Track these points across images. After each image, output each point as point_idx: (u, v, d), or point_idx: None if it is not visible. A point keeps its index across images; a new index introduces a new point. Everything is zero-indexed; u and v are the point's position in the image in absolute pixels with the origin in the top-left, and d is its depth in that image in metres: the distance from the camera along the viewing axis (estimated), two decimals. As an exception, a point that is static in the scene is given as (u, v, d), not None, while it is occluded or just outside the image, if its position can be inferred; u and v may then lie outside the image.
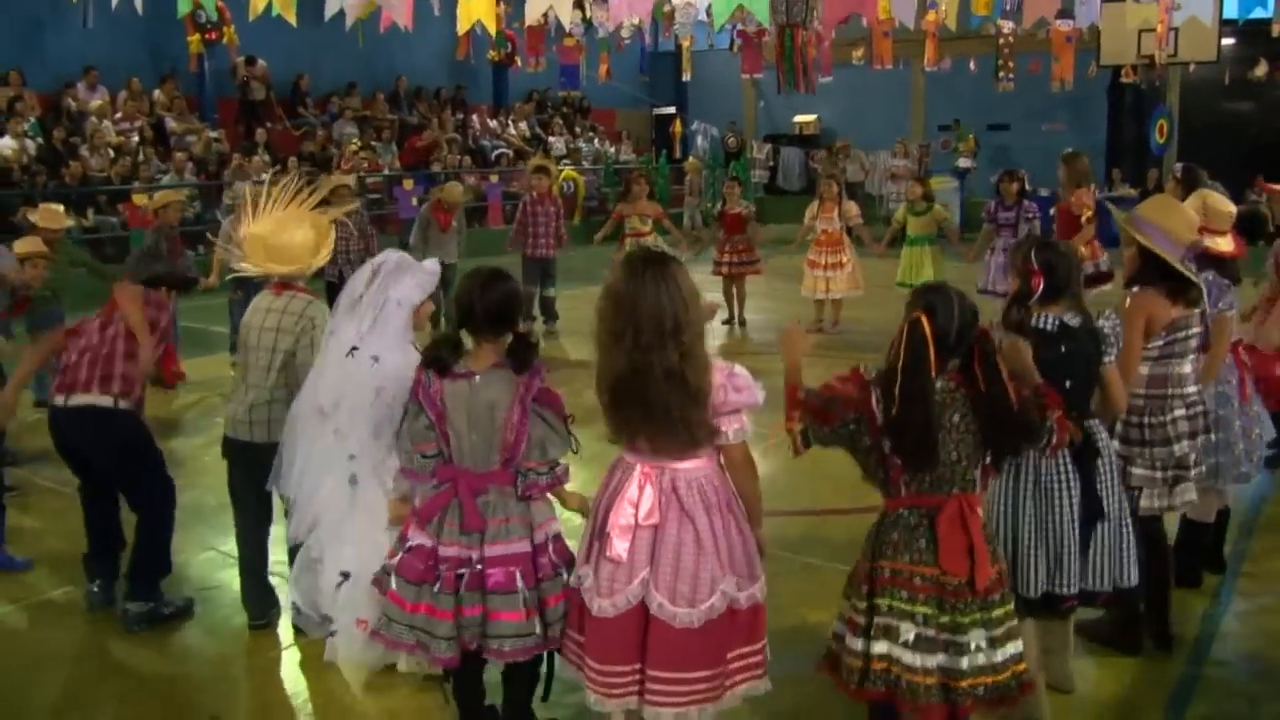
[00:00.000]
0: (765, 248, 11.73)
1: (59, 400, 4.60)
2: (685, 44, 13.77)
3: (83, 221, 13.92)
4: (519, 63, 15.10)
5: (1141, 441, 4.05)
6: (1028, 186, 10.02)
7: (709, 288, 9.78)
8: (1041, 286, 3.51)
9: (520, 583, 3.24)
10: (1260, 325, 5.23)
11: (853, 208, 10.98)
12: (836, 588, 3.31)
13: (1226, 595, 4.81)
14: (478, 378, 3.25)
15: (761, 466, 3.28)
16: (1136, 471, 4.05)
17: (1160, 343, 4.01)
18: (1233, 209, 4.68)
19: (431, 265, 3.81)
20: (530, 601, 3.25)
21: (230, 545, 4.77)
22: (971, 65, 16.50)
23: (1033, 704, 3.43)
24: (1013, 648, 3.05)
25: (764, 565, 3.22)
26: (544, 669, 3.45)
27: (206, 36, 14.01)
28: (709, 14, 10.64)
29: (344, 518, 3.67)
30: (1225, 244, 4.58)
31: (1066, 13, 12.80)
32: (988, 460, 3.10)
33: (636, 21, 12.04)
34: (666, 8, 12.08)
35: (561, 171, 17.81)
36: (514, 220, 11.18)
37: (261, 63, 18.13)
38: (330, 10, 9.67)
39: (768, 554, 3.29)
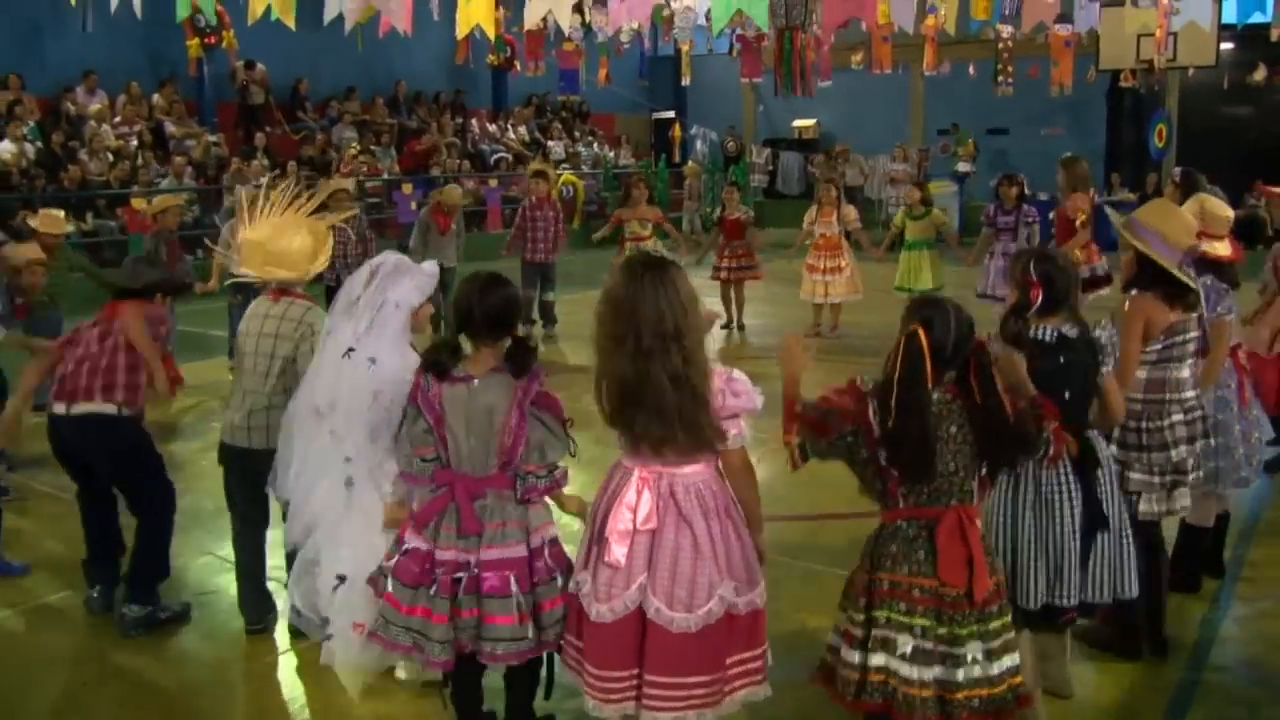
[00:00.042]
0: (764, 252, 11.74)
1: (60, 409, 4.58)
2: (684, 48, 13.77)
3: (81, 225, 13.94)
4: (518, 67, 15.09)
5: (1139, 446, 4.05)
6: (1027, 191, 10.03)
7: (707, 293, 9.78)
8: (1040, 298, 3.52)
9: (515, 587, 3.24)
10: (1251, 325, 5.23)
11: (851, 212, 11.01)
12: (836, 592, 3.30)
13: (1226, 600, 4.80)
14: (476, 381, 3.25)
15: (760, 471, 3.27)
16: (1134, 476, 4.04)
17: (1158, 346, 4.01)
18: (1230, 213, 4.69)
19: (430, 267, 3.81)
20: (524, 606, 3.25)
21: (227, 550, 4.77)
22: (971, 70, 16.51)
23: (1030, 716, 3.42)
24: (1009, 660, 3.05)
25: (764, 571, 3.21)
26: (544, 671, 3.45)
27: (205, 40, 14.02)
28: (708, 18, 10.64)
29: (340, 520, 3.66)
30: (1223, 248, 4.59)
31: (1065, 17, 12.82)
32: (983, 472, 3.10)
33: (636, 26, 12.02)
34: (666, 12, 12.08)
35: (560, 176, 17.82)
36: (513, 225, 11.20)
37: (261, 67, 18.14)
38: (329, 14, 9.66)
39: (767, 559, 3.28)
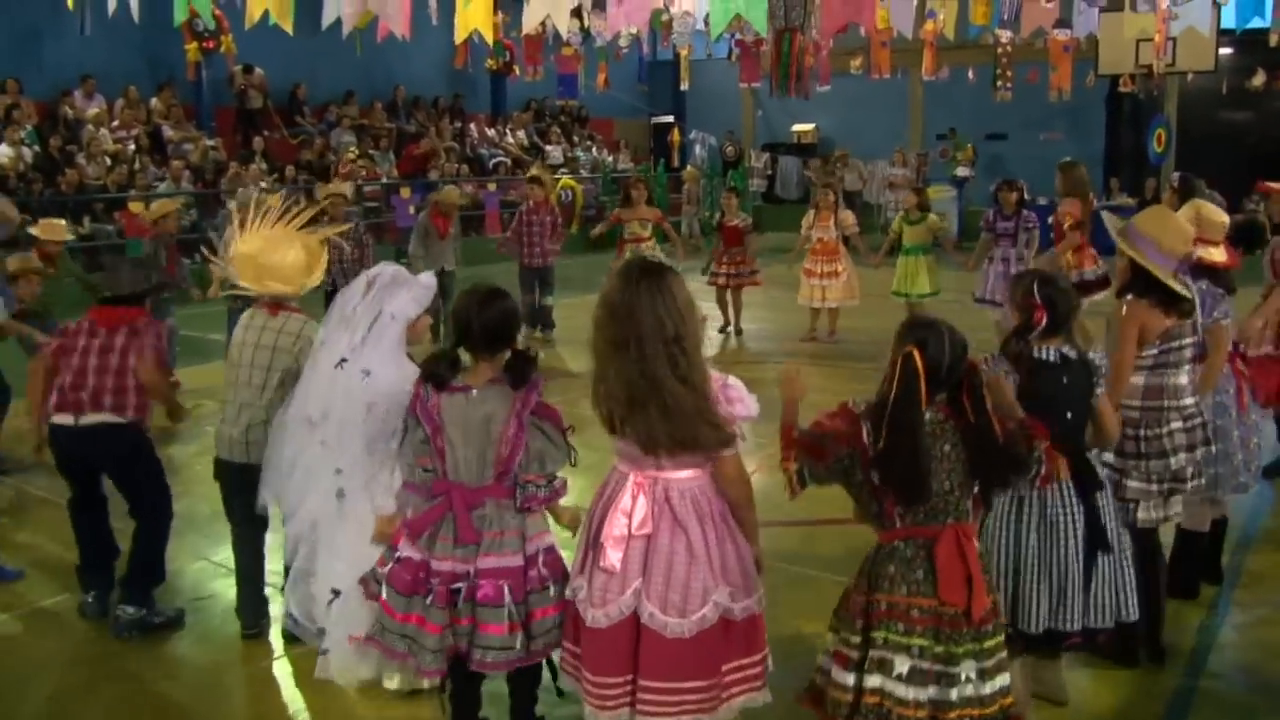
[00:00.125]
0: (762, 256, 11.75)
1: (68, 420, 4.54)
2: (683, 53, 13.75)
3: (79, 229, 13.90)
4: (517, 71, 15.09)
5: (1137, 454, 4.04)
6: (1026, 196, 10.03)
7: (703, 297, 9.77)
8: (1044, 320, 3.56)
9: (508, 597, 3.23)
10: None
11: (849, 217, 11.02)
12: (831, 598, 3.30)
13: (1223, 607, 4.79)
14: (474, 392, 3.24)
15: (756, 478, 3.26)
16: (1132, 485, 4.03)
17: (1154, 352, 4.01)
18: (1225, 219, 4.68)
19: (427, 280, 3.79)
20: (516, 615, 3.24)
21: (221, 555, 4.76)
22: (969, 74, 16.49)
23: None
24: (1001, 680, 3.05)
25: (762, 579, 3.20)
26: (548, 674, 3.43)
27: (204, 45, 14.05)
28: (707, 23, 10.63)
29: (334, 532, 3.65)
30: (1218, 254, 4.58)
31: (1064, 22, 12.79)
32: (977, 491, 3.10)
33: (634, 31, 11.99)
34: (664, 17, 12.07)
35: (559, 180, 17.81)
36: (509, 228, 11.23)
37: (259, 71, 18.12)
38: (327, 19, 9.64)
39: (765, 566, 3.27)
